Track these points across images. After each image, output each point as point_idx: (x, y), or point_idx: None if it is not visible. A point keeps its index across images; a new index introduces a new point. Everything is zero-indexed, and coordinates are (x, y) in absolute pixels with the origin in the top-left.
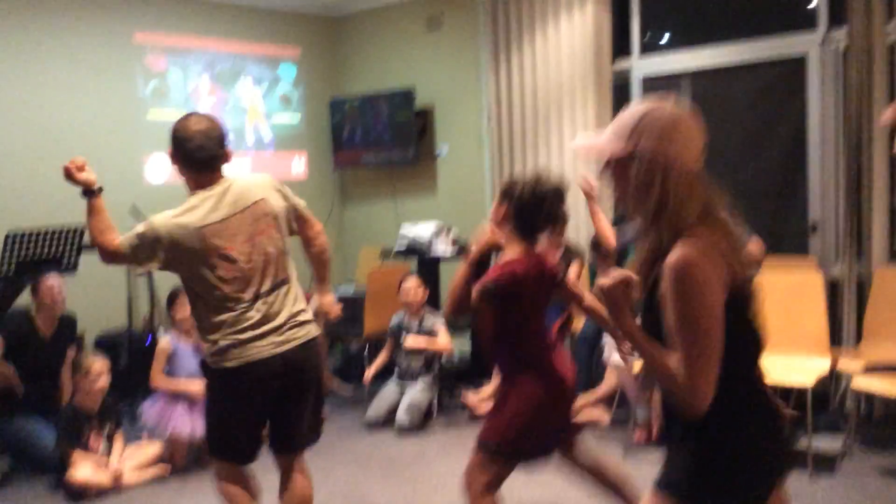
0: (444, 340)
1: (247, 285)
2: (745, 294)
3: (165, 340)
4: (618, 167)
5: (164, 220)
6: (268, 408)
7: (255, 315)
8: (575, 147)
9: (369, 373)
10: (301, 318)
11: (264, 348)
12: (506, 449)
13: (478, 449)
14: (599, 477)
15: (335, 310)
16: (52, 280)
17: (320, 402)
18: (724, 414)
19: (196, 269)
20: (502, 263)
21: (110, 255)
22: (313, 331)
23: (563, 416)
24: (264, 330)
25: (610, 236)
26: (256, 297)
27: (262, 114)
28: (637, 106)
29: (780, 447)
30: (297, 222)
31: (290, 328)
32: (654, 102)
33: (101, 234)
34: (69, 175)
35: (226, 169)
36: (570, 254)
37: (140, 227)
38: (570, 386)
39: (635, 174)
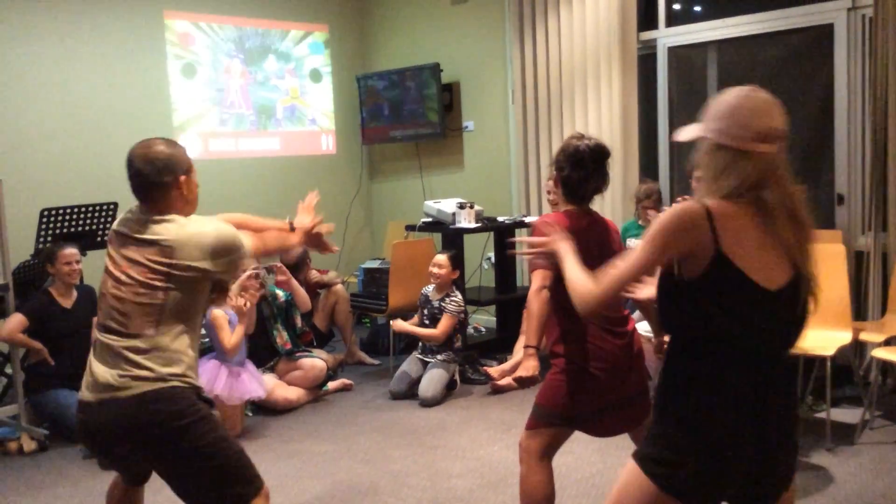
0: (439, 328)
1: (106, 311)
2: (750, 285)
3: (220, 312)
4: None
5: None
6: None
7: (95, 348)
8: (674, 139)
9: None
10: (132, 372)
11: (84, 388)
12: (555, 414)
13: (532, 412)
14: None
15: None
16: (69, 249)
17: (204, 470)
18: (687, 392)
19: None
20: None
21: None
22: (145, 386)
23: (617, 392)
24: (90, 368)
25: None
26: (103, 329)
27: (299, 94)
28: None
29: (732, 448)
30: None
31: (112, 379)
32: (733, 89)
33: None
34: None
35: (178, 200)
36: None
37: None
38: (621, 364)
39: (698, 154)
